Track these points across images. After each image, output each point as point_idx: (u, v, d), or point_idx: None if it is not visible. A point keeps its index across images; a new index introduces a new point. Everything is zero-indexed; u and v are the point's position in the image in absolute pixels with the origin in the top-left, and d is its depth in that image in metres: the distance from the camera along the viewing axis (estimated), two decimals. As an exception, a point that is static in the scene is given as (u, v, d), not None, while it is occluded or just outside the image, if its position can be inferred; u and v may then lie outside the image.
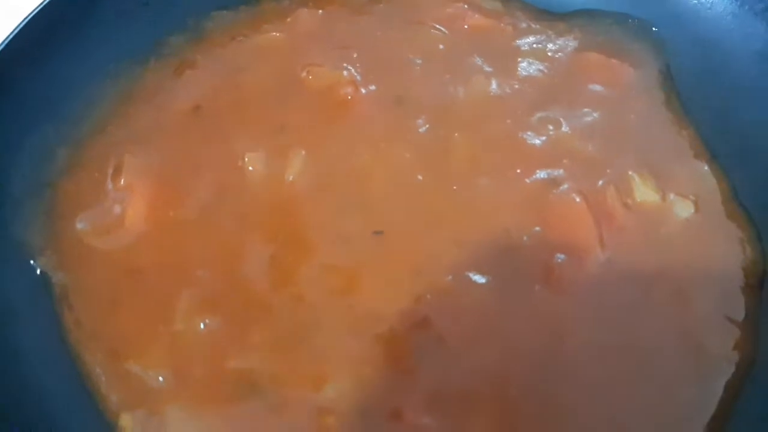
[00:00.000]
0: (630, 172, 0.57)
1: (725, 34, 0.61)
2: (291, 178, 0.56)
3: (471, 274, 0.52)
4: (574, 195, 0.56)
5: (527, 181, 0.57)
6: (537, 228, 0.54)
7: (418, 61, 0.64)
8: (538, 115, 0.61)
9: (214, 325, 0.49)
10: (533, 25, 0.68)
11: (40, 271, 0.51)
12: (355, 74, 0.63)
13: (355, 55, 0.64)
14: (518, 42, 0.66)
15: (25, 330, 0.49)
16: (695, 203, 0.56)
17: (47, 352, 0.48)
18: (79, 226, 0.53)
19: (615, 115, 0.61)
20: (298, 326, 0.49)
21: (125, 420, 0.46)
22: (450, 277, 0.52)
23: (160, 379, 0.47)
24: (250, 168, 0.57)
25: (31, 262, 0.52)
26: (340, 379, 0.47)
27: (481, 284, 0.51)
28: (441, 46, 0.66)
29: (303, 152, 0.57)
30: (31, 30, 0.55)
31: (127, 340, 0.49)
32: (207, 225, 0.54)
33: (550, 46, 0.66)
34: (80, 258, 0.52)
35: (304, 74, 0.63)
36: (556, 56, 0.65)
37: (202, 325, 0.49)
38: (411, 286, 0.51)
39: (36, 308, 0.50)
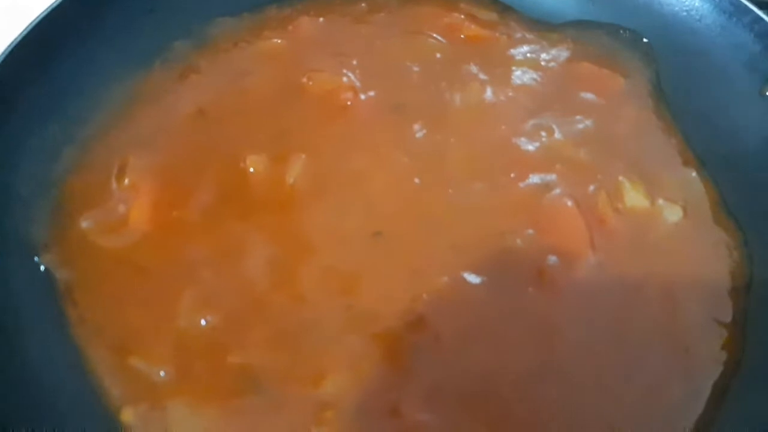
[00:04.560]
0: (620, 178, 0.58)
1: (714, 45, 0.62)
2: (292, 180, 0.57)
3: (466, 275, 0.53)
4: (566, 199, 0.57)
5: (521, 185, 0.58)
6: (530, 231, 0.55)
7: (416, 69, 0.65)
8: (532, 122, 0.62)
9: (215, 322, 0.50)
10: (527, 36, 0.69)
11: (45, 268, 0.52)
12: (355, 81, 0.64)
13: (354, 62, 0.65)
14: (513, 51, 0.68)
15: (28, 325, 0.49)
16: (684, 209, 0.57)
17: (50, 346, 0.49)
18: (84, 224, 0.54)
19: (606, 123, 0.62)
20: (297, 324, 0.50)
21: (127, 414, 0.46)
22: (446, 278, 0.52)
23: (162, 374, 0.48)
24: (252, 170, 0.57)
25: (36, 259, 0.52)
26: (338, 376, 0.48)
27: (476, 285, 0.52)
28: (438, 55, 0.67)
29: (303, 156, 0.58)
30: (39, 33, 0.56)
31: (131, 336, 0.49)
32: (209, 225, 0.54)
33: (543, 55, 0.67)
34: (85, 256, 0.53)
35: (305, 80, 0.63)
36: (549, 65, 0.67)
37: (204, 322, 0.50)
38: (408, 287, 0.52)
39: (40, 304, 0.50)
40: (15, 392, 0.46)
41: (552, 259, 0.54)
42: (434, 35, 0.69)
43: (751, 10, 0.60)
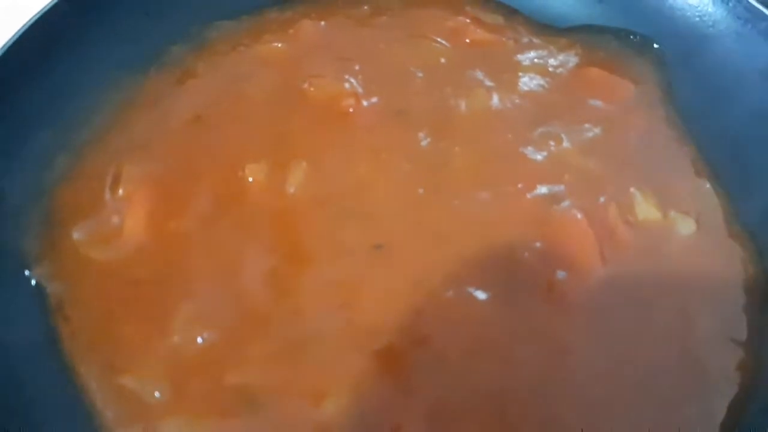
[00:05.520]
0: (631, 189, 0.57)
1: (728, 52, 0.61)
2: (291, 189, 0.56)
3: (471, 290, 0.51)
4: (575, 211, 0.55)
5: (528, 196, 0.57)
6: (538, 243, 0.54)
7: (420, 75, 0.64)
8: (539, 130, 0.61)
9: (212, 338, 0.48)
10: (535, 40, 0.68)
11: (36, 282, 0.50)
12: (357, 86, 0.62)
13: (357, 67, 0.64)
14: (519, 57, 0.66)
15: (18, 342, 0.47)
16: (697, 221, 0.56)
17: (41, 364, 0.47)
18: (76, 236, 0.52)
19: (616, 131, 0.61)
20: (297, 340, 0.49)
21: (120, 437, 0.45)
22: (450, 292, 0.51)
23: (157, 394, 0.46)
24: (251, 179, 0.56)
25: (27, 272, 0.51)
26: (339, 395, 0.46)
27: (482, 300, 0.51)
28: (442, 60, 0.66)
29: (304, 164, 0.57)
30: (32, 36, 0.54)
31: (124, 354, 0.48)
32: (206, 236, 0.53)
33: (551, 61, 0.66)
34: (77, 269, 0.51)
35: (305, 85, 0.62)
36: (557, 71, 0.66)
37: (200, 339, 0.48)
38: (411, 301, 0.50)
39: (30, 319, 0.49)
40: (2, 412, 0.44)
41: (561, 272, 0.52)
42: (439, 39, 0.67)
43: (768, 16, 0.59)
